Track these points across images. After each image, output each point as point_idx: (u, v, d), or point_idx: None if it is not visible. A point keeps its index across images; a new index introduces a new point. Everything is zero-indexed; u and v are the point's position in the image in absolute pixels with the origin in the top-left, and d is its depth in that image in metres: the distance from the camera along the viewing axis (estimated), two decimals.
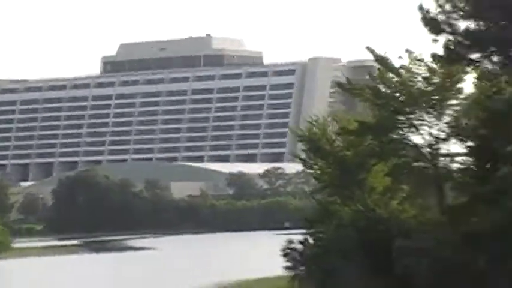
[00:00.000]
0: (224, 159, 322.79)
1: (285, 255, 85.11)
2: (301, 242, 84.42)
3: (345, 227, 73.80)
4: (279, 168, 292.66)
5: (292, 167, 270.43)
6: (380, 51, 72.33)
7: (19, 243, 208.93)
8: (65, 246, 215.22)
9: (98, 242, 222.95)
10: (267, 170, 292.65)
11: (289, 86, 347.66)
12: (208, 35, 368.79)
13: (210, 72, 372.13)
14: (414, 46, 79.62)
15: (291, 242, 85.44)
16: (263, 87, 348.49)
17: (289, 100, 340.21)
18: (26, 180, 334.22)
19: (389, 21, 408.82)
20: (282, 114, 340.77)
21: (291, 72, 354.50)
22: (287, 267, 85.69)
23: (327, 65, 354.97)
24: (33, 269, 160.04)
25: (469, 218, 61.70)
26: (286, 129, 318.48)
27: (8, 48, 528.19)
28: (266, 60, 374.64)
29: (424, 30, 59.45)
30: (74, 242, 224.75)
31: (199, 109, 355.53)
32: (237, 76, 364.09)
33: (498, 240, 56.47)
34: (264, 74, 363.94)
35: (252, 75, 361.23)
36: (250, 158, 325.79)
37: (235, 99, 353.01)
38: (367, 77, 77.84)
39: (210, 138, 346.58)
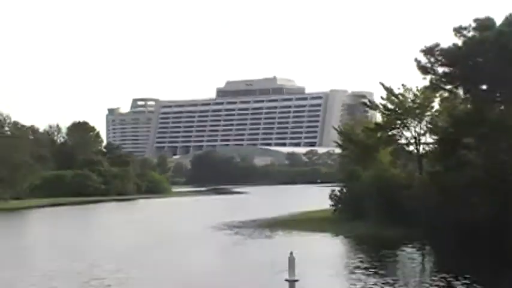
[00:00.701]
0: (283, 144, 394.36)
1: (330, 197, 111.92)
2: (339, 191, 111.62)
3: (366, 183, 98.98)
4: (313, 150, 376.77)
5: (321, 150, 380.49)
6: (387, 84, 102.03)
7: (174, 189, 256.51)
8: (198, 191, 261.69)
9: (215, 189, 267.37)
10: (307, 151, 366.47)
11: (318, 105, 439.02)
12: (274, 76, 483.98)
13: (275, 97, 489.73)
14: (408, 79, 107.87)
15: (333, 190, 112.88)
16: (304, 106, 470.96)
17: (318, 113, 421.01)
18: (175, 155, 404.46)
19: (387, 64, 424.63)
20: (314, 121, 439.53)
21: (319, 98, 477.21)
22: (331, 204, 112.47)
23: (339, 94, 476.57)
24: (185, 201, 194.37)
25: (441, 178, 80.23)
26: (317, 129, 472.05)
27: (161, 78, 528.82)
28: (307, 90, 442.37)
29: (417, 72, 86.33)
30: (203, 188, 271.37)
31: (269, 118, 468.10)
32: (290, 100, 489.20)
33: (458, 190, 72.96)
34: (305, 99, 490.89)
35: (298, 99, 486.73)
36: (297, 144, 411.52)
37: (289, 112, 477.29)
38: (368, 102, 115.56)
39: (275, 133, 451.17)
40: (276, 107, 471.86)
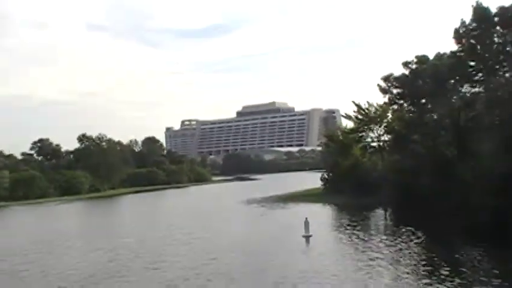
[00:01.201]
0: (281, 146, 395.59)
1: (321, 179, 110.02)
2: (327, 175, 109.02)
3: (345, 169, 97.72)
4: (302, 149, 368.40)
5: (307, 148, 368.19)
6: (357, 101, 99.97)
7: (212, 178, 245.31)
8: (228, 179, 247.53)
9: (239, 177, 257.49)
10: (298, 150, 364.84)
11: (304, 119, 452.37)
12: (274, 101, 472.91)
13: (275, 115, 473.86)
14: (371, 96, 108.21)
15: (322, 174, 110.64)
16: (294, 121, 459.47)
17: (304, 125, 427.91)
18: (211, 155, 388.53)
19: (351, 88, 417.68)
20: (302, 130, 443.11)
21: (304, 114, 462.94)
22: (322, 184, 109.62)
23: (317, 111, 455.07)
24: (220, 186, 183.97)
25: (396, 163, 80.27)
26: (304, 135, 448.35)
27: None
28: (296, 109, 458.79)
29: (378, 93, 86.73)
30: (230, 177, 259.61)
31: (272, 129, 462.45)
32: (285, 116, 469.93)
33: (408, 171, 70.77)
34: (294, 115, 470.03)
35: (290, 116, 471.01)
36: (290, 145, 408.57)
37: (284, 125, 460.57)
38: (345, 114, 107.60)
39: (276, 139, 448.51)
40: (276, 122, 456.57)
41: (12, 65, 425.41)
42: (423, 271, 34.84)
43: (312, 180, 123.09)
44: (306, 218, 52.52)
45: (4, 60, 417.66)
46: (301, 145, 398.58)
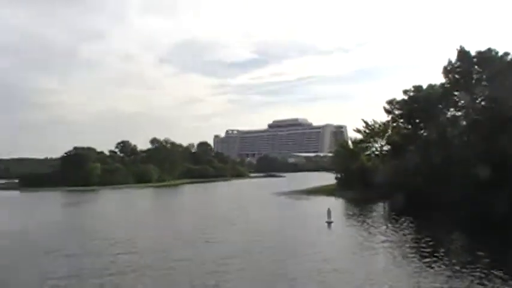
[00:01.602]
0: (301, 152, 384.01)
1: (335, 178, 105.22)
2: (340, 175, 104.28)
3: (354, 170, 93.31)
4: (317, 155, 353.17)
5: (321, 154, 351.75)
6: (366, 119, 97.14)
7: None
8: (260, 175, 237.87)
9: (269, 174, 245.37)
10: (314, 155, 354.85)
11: (318, 133, 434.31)
12: (297, 118, 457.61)
13: (297, 128, 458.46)
14: (373, 115, 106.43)
15: (336, 174, 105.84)
16: (312, 133, 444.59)
17: (318, 137, 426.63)
18: (248, 157, 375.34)
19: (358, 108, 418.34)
20: (317, 140, 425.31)
21: (319, 128, 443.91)
22: (336, 182, 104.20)
23: (329, 127, 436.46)
24: (255, 181, 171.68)
25: (394, 167, 76.11)
26: (319, 145, 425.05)
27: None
28: (313, 124, 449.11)
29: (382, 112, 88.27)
30: (262, 174, 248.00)
31: (295, 139, 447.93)
32: (305, 130, 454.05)
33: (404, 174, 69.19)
34: (312, 129, 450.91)
35: (309, 129, 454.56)
36: (308, 152, 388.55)
37: (304, 136, 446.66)
38: (356, 129, 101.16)
39: (297, 146, 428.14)
40: (297, 133, 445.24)
41: (106, 86, 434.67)
42: (423, 251, 33.71)
43: (325, 178, 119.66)
44: (329, 208, 51.64)
45: (100, 82, 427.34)
46: (316, 151, 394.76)
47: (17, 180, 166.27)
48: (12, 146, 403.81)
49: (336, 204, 75.91)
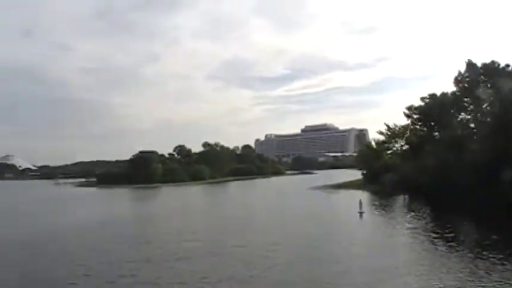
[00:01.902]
0: (329, 152, 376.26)
1: (362, 174, 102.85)
2: (366, 171, 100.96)
3: (378, 167, 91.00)
4: (343, 154, 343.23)
5: (347, 154, 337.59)
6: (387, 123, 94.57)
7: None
8: (295, 173, 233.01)
9: (302, 172, 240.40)
10: (341, 155, 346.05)
11: (344, 135, 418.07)
12: (325, 123, 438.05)
13: (326, 132, 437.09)
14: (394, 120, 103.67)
15: (362, 171, 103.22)
16: (338, 136, 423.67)
17: (344, 138, 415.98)
18: (284, 157, 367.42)
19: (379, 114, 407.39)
20: (342, 142, 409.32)
21: (345, 132, 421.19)
22: (362, 177, 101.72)
23: (353, 130, 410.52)
24: (291, 177, 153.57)
25: (412, 165, 72.85)
26: (344, 146, 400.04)
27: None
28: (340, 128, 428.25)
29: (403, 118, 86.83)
30: (297, 171, 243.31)
31: (323, 141, 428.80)
32: (332, 133, 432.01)
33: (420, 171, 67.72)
34: (338, 132, 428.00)
35: (336, 133, 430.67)
36: (336, 152, 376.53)
37: (331, 139, 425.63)
38: (380, 131, 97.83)
39: (326, 147, 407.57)
40: (326, 136, 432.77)
41: (163, 100, 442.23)
42: (445, 236, 33.13)
43: (351, 174, 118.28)
44: (360, 200, 50.92)
45: (159, 97, 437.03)
46: (342, 152, 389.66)
47: (94, 179, 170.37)
48: (90, 150, 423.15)
49: (363, 197, 75.17)
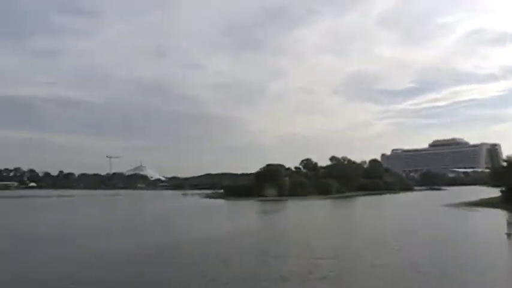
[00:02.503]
0: (459, 168, 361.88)
1: (500, 191, 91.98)
2: (503, 189, 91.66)
3: None
4: (474, 170, 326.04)
5: (478, 170, 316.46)
6: None
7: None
8: (423, 189, 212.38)
9: (431, 188, 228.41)
10: (471, 171, 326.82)
11: (475, 150, 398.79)
12: (454, 138, 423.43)
13: (456, 147, 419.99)
14: None
15: (501, 188, 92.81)
16: (469, 151, 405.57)
17: (475, 155, 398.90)
18: (411, 173, 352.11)
19: None
20: (473, 158, 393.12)
21: (475, 146, 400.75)
22: (501, 195, 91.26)
23: (485, 145, 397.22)
24: (419, 194, 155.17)
25: None
26: (475, 161, 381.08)
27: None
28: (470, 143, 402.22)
29: None
30: (425, 187, 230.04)
31: (452, 156, 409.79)
32: (462, 148, 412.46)
33: None
34: (468, 147, 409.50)
35: (466, 147, 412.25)
36: (466, 168, 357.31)
37: (461, 154, 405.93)
38: None
39: (455, 162, 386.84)
40: (455, 151, 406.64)
41: (288, 114, 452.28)
42: None
43: (484, 192, 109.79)
44: (508, 219, 45.83)
45: (283, 112, 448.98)
46: (473, 167, 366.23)
47: (221, 190, 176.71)
48: (216, 163, 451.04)
49: (505, 216, 68.88)
